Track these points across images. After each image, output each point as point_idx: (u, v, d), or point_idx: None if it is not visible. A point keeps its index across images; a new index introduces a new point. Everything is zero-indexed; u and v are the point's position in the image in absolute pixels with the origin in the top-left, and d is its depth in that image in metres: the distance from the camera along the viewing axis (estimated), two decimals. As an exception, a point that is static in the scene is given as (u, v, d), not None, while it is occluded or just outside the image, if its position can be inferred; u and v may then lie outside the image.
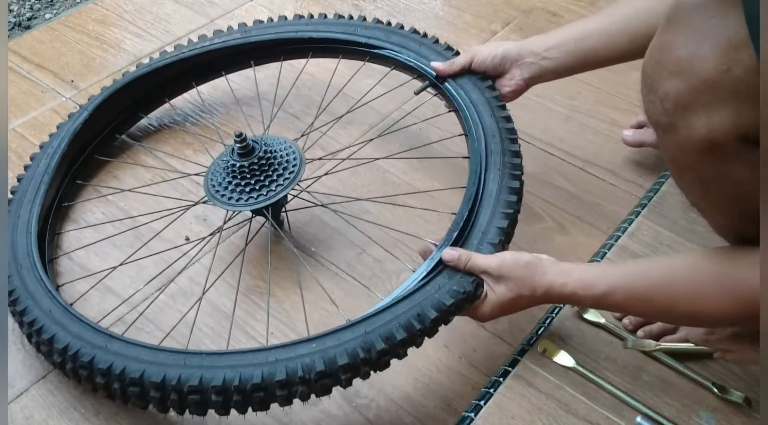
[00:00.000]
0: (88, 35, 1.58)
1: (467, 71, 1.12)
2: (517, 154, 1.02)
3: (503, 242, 0.94)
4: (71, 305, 0.98)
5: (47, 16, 1.79)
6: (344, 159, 1.21)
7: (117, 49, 1.55)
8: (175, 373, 0.83)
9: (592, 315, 1.01)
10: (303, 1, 1.68)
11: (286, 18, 1.31)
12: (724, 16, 0.64)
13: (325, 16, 1.29)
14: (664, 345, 0.96)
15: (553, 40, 1.07)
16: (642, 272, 0.85)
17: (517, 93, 1.11)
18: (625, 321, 1.00)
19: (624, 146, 1.27)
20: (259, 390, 0.82)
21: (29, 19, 1.78)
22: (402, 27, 1.24)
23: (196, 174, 1.17)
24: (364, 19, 1.28)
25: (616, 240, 1.12)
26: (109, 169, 1.28)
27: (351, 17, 1.28)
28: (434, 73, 1.14)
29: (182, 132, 1.34)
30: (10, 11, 1.80)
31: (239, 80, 1.38)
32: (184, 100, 1.39)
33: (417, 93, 1.19)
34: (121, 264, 1.09)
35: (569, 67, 1.07)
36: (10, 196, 1.14)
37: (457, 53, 1.18)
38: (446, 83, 1.13)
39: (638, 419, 0.89)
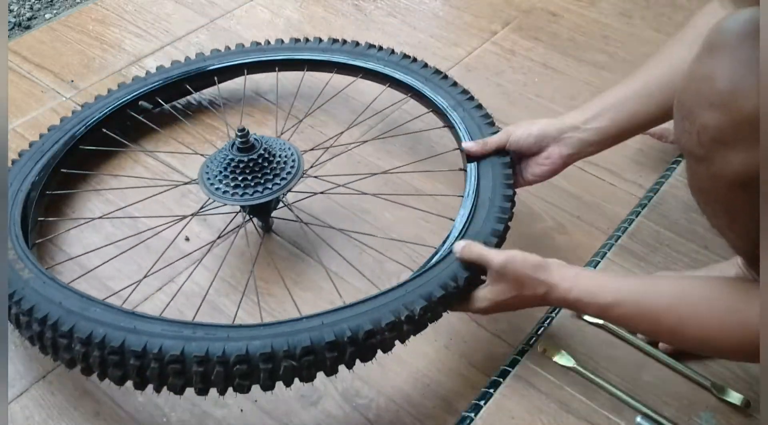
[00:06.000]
0: (88, 35, 1.58)
1: (501, 150, 1.07)
2: None
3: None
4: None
5: (47, 16, 1.79)
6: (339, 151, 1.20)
7: (117, 49, 1.55)
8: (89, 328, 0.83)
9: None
10: (303, 1, 1.68)
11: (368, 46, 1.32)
12: None
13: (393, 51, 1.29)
14: None
15: (590, 112, 1.01)
16: (652, 288, 0.82)
17: (554, 172, 1.05)
18: None
19: (624, 145, 1.24)
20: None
21: (29, 19, 1.78)
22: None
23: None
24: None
25: (616, 240, 1.12)
26: (109, 170, 1.28)
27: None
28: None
29: (182, 132, 1.35)
30: (10, 11, 1.80)
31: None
32: (185, 100, 1.39)
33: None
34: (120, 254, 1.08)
35: (612, 135, 1.01)
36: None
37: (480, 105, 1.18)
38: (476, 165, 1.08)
39: (638, 419, 0.89)
